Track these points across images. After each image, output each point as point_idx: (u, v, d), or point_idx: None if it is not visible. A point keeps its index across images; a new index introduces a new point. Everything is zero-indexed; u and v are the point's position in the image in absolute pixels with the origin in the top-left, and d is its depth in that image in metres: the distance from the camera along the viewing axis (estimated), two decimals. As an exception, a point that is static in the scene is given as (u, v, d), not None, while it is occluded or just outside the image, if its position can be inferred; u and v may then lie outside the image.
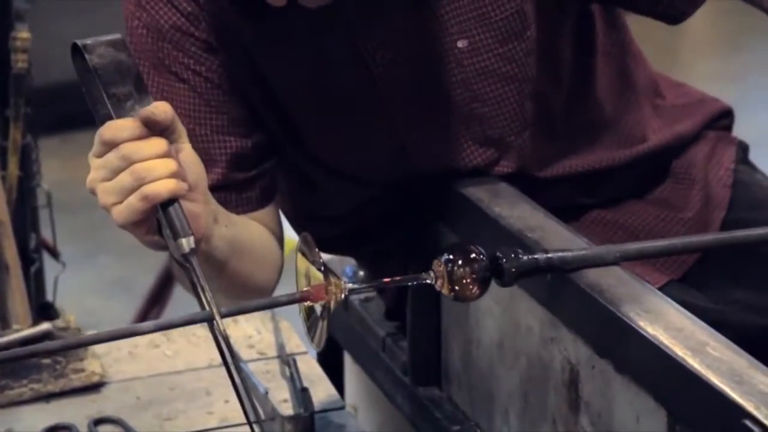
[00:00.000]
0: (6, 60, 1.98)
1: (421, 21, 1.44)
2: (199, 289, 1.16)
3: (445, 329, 1.57)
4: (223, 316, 1.13)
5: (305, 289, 1.16)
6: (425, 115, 1.49)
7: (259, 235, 1.47)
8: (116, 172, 1.19)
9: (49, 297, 1.97)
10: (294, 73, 1.46)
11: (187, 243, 1.17)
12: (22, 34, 1.97)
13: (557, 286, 1.28)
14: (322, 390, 1.58)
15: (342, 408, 1.56)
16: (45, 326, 1.68)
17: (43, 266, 1.96)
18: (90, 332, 1.71)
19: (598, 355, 1.24)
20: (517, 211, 1.44)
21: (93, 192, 1.22)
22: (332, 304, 1.15)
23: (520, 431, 1.41)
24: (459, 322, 1.53)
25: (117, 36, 1.21)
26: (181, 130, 1.22)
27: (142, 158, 1.18)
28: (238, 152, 1.46)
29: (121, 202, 1.19)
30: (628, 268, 1.29)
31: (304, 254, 1.18)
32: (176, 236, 1.18)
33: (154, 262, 2.90)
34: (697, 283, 1.55)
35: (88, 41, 1.20)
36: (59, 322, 1.72)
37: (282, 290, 1.22)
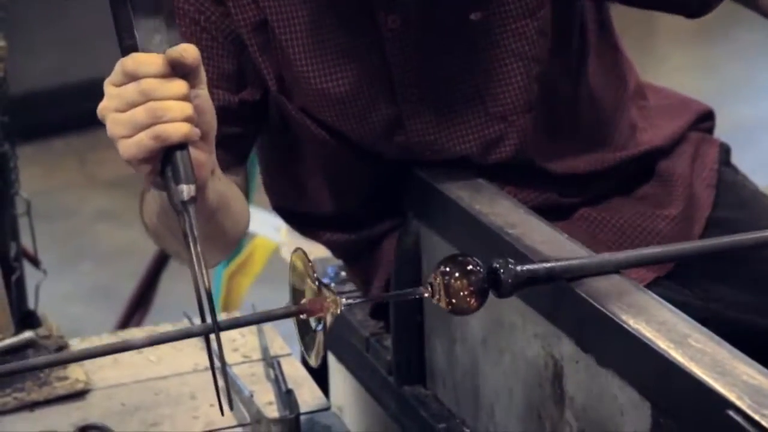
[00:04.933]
0: (-19, 69, 1.97)
1: None
2: (190, 239, 1.14)
3: (428, 328, 1.58)
4: (220, 330, 1.11)
5: (302, 302, 1.14)
6: (428, 84, 1.48)
7: (237, 193, 1.47)
8: (131, 105, 1.17)
9: (31, 305, 1.96)
10: (302, 23, 1.45)
11: (188, 190, 1.16)
12: (-2, 42, 1.96)
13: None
14: (307, 391, 1.58)
15: (327, 409, 1.56)
16: (28, 335, 1.68)
17: (23, 275, 1.95)
18: (73, 339, 1.71)
19: (582, 350, 1.25)
20: (498, 208, 1.44)
21: (102, 119, 1.20)
22: (329, 319, 1.13)
23: (505, 427, 1.41)
24: (442, 320, 1.54)
25: None
26: (203, 76, 1.21)
27: (161, 97, 1.17)
28: (223, 105, 1.45)
29: (130, 137, 1.17)
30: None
31: (298, 268, 1.16)
32: (178, 182, 1.16)
33: (136, 267, 2.90)
34: (683, 280, 1.55)
35: None
36: (42, 330, 1.71)
37: (274, 303, 1.22)
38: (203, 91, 1.21)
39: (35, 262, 2.00)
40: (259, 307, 1.71)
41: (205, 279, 1.13)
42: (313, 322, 1.14)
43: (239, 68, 1.47)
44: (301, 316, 1.15)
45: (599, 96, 1.60)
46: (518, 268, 1.21)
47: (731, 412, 1.04)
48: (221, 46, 1.46)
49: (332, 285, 1.79)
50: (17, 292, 1.92)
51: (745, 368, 1.10)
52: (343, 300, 1.14)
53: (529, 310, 1.33)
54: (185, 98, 1.18)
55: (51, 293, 1.97)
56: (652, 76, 1.82)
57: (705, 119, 1.69)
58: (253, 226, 2.75)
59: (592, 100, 1.59)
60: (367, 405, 1.75)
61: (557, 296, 1.27)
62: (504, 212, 1.43)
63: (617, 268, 1.26)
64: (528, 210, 1.44)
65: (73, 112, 4.43)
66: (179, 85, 1.17)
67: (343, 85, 1.48)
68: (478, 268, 1.19)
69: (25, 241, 1.97)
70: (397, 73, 1.48)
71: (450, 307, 1.18)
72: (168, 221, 1.32)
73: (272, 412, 1.53)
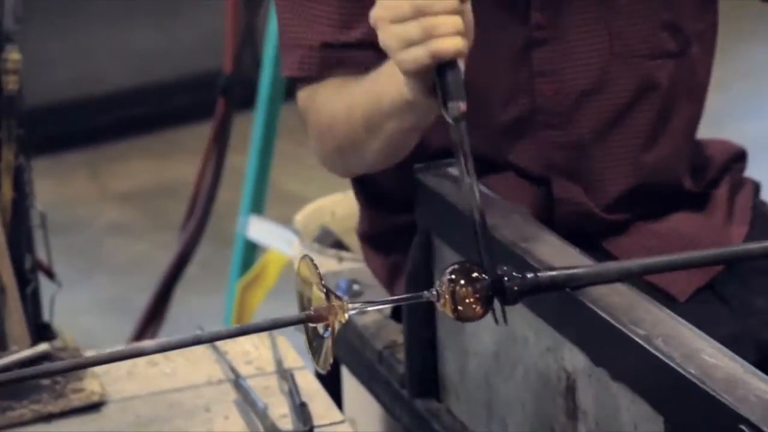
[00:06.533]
0: (-4, 82, 1.98)
1: None
2: (461, 154, 1.20)
3: (441, 341, 1.59)
4: (214, 340, 1.15)
5: (309, 309, 1.16)
6: (560, 14, 1.49)
7: None
8: (404, 19, 1.22)
9: (46, 317, 1.98)
10: None
11: (459, 107, 1.21)
12: (13, 55, 1.98)
13: (552, 296, 1.30)
14: (320, 404, 1.59)
15: (341, 422, 1.57)
16: (43, 347, 1.69)
17: (39, 287, 1.97)
18: (88, 351, 1.72)
19: (595, 364, 1.26)
20: (511, 222, 1.45)
21: (375, 26, 1.26)
22: (336, 325, 1.15)
23: (518, 441, 1.42)
24: (455, 333, 1.55)
25: None
26: None
27: (434, 13, 1.21)
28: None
29: (403, 49, 1.23)
30: (655, 274, 1.30)
31: (305, 276, 1.18)
32: (449, 98, 1.21)
33: (149, 279, 2.91)
34: (722, 292, 1.56)
35: None
36: (57, 343, 1.72)
37: (279, 311, 1.23)
38: (467, 5, 1.25)
39: (50, 274, 2.01)
40: (272, 320, 1.73)
41: (477, 194, 1.19)
42: (320, 329, 1.17)
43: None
44: (309, 323, 1.17)
45: (696, 106, 1.61)
46: (522, 276, 1.23)
47: (744, 427, 1.05)
48: None
49: (344, 297, 1.81)
50: (32, 304, 1.93)
51: (758, 383, 1.11)
52: (350, 306, 1.17)
53: (541, 324, 1.34)
54: (456, 12, 1.22)
55: (65, 305, 1.98)
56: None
57: (739, 159, 1.71)
58: (266, 240, 2.77)
59: (692, 104, 1.60)
60: (380, 418, 1.76)
61: (570, 310, 1.28)
62: (517, 226, 1.44)
63: (626, 277, 1.27)
64: (540, 225, 1.45)
65: (86, 125, 4.45)
66: (451, 1, 1.22)
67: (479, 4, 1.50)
68: (483, 275, 1.21)
69: (40, 253, 1.99)
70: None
71: (456, 314, 1.20)
72: (372, 121, 1.38)
73: (286, 424, 1.54)
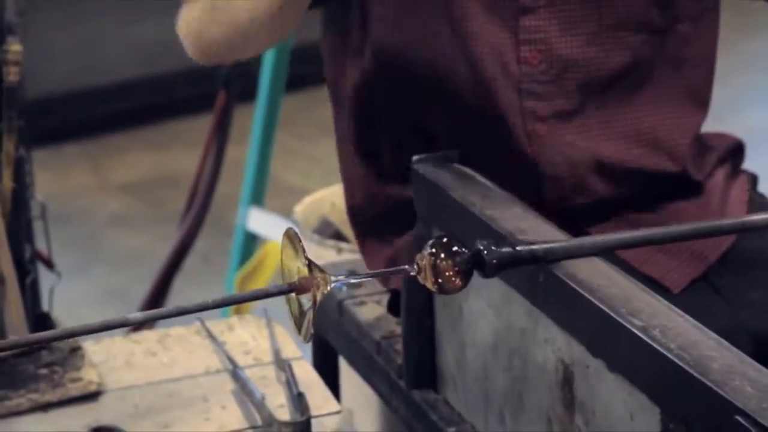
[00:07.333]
0: (-3, 73, 1.98)
1: None
2: None
3: (439, 332, 1.59)
4: (200, 310, 1.16)
5: (293, 281, 1.18)
6: None
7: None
8: None
9: (45, 308, 1.98)
10: None
11: None
12: (14, 47, 1.98)
13: (550, 287, 1.30)
14: (318, 395, 1.59)
15: (338, 412, 1.57)
16: (42, 337, 1.69)
17: (38, 277, 1.97)
18: (86, 342, 1.72)
19: (592, 355, 1.26)
20: (509, 214, 1.45)
21: None
22: (318, 296, 1.18)
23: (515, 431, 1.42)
24: (453, 324, 1.55)
25: None
26: None
27: None
28: None
29: None
30: (650, 265, 1.29)
31: (289, 250, 1.20)
32: None
33: (148, 271, 2.91)
34: (716, 284, 1.56)
35: None
36: (56, 333, 1.73)
37: (285, 307, 1.24)
38: None
39: (50, 264, 2.01)
40: (271, 312, 1.73)
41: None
42: (305, 302, 1.18)
43: None
44: (292, 294, 1.19)
45: (689, 82, 1.61)
46: (501, 249, 1.25)
47: (740, 418, 1.05)
48: None
49: (343, 289, 1.81)
50: (32, 294, 1.94)
51: (754, 374, 1.11)
52: (332, 278, 1.19)
53: (539, 315, 1.34)
54: None
55: (65, 296, 1.98)
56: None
57: (736, 151, 1.71)
58: (265, 231, 2.78)
59: (683, 79, 1.59)
60: (377, 409, 1.76)
61: (567, 301, 1.28)
62: (515, 218, 1.44)
63: (602, 251, 1.29)
64: (538, 215, 1.45)
65: (86, 116, 4.45)
66: None
67: None
68: (463, 249, 1.23)
69: (40, 244, 1.99)
70: None
71: (436, 286, 1.23)
72: None
73: (283, 414, 1.54)
